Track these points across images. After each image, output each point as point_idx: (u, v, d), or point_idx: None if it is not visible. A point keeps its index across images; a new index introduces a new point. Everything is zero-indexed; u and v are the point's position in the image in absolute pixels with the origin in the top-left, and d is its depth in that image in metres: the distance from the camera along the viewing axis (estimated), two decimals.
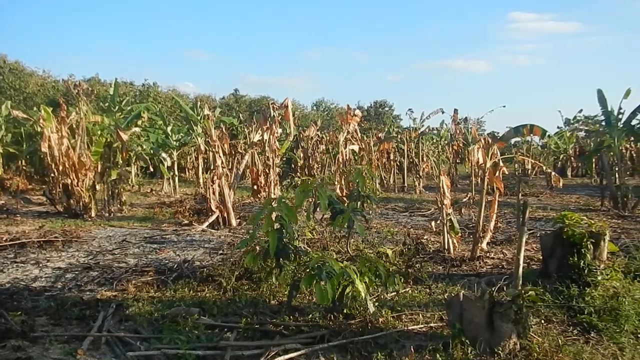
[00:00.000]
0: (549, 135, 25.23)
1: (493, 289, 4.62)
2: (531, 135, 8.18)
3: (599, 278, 5.61)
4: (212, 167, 12.43)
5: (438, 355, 4.09)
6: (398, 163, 22.49)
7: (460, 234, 8.31)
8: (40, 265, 7.49)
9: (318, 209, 5.97)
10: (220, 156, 11.94)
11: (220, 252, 8.37)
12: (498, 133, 26.84)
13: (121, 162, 13.58)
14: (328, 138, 23.68)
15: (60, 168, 12.08)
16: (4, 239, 8.93)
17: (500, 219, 11.32)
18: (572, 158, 27.44)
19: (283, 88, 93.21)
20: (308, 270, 4.86)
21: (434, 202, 9.01)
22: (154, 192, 18.61)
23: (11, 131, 19.20)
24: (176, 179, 19.08)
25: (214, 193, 11.44)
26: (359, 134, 18.67)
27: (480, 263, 7.48)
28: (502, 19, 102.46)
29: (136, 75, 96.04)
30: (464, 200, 11.25)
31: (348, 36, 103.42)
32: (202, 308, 5.34)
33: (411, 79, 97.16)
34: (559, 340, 4.39)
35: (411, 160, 21.89)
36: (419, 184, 19.57)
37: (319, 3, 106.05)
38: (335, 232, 8.29)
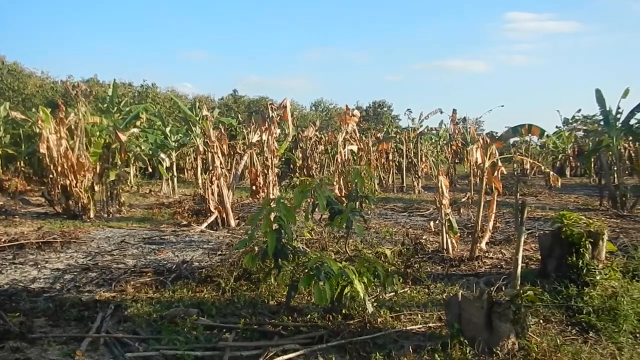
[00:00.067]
0: (547, 135, 25.18)
1: (491, 289, 4.63)
2: (529, 135, 8.19)
3: (598, 278, 5.62)
4: (210, 168, 12.43)
5: (437, 355, 4.09)
6: (397, 163, 22.50)
7: (459, 234, 8.32)
8: (39, 266, 7.48)
9: (317, 209, 5.96)
10: (219, 157, 11.94)
11: (219, 252, 8.36)
12: (497, 133, 26.84)
13: (120, 163, 13.57)
14: (327, 138, 23.68)
15: (59, 169, 12.06)
16: (3, 240, 8.92)
17: (499, 218, 11.33)
18: (571, 158, 27.47)
19: (282, 88, 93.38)
20: (306, 270, 4.85)
21: (433, 202, 9.01)
22: (152, 192, 18.59)
23: (10, 132, 19.18)
24: (175, 179, 19.07)
25: (212, 194, 11.44)
26: (358, 134, 18.68)
27: (479, 263, 7.48)
28: (499, 19, 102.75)
29: (135, 76, 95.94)
30: (463, 200, 11.22)
31: (347, 36, 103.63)
32: (201, 309, 5.34)
33: (410, 79, 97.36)
34: (558, 340, 4.39)
35: (410, 160, 21.90)
36: (417, 184, 19.58)
37: (318, 3, 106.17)
38: (334, 233, 8.29)
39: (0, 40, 60.60)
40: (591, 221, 6.36)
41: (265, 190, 13.30)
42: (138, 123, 17.01)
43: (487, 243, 8.28)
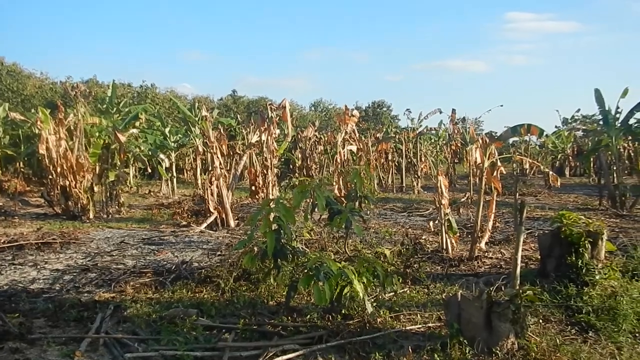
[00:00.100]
0: (546, 135, 25.26)
1: (491, 289, 4.63)
2: (529, 134, 8.20)
3: (597, 277, 5.62)
4: (210, 168, 12.43)
5: (436, 355, 4.09)
6: (396, 163, 22.50)
7: (458, 234, 8.32)
8: (38, 267, 7.48)
9: (316, 210, 5.97)
10: (218, 157, 11.94)
11: (219, 253, 8.36)
12: (496, 133, 26.91)
13: (119, 163, 13.56)
14: (326, 139, 23.67)
15: (58, 170, 12.06)
16: (2, 240, 8.92)
17: (499, 218, 11.33)
18: (570, 157, 27.49)
19: (281, 89, 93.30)
20: (306, 270, 4.85)
21: (432, 202, 9.01)
22: (152, 193, 18.58)
23: (9, 133, 19.16)
24: (174, 180, 19.06)
25: (212, 194, 11.44)
26: (357, 135, 18.69)
27: (478, 263, 7.49)
28: (499, 19, 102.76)
29: (134, 77, 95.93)
30: (462, 200, 11.23)
31: (347, 36, 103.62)
32: (200, 309, 5.34)
33: (410, 79, 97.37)
34: (557, 340, 4.40)
35: (409, 160, 21.90)
36: (417, 184, 19.58)
37: (318, 3, 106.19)
38: (334, 233, 8.29)
39: None
40: (590, 221, 6.37)
41: (265, 191, 13.31)
42: (137, 124, 17.01)
43: (486, 243, 8.29)
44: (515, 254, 5.06)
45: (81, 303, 5.64)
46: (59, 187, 12.27)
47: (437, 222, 8.34)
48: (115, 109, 17.96)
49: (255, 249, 5.93)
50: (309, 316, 5.03)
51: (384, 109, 56.58)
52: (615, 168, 15.14)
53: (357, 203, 6.73)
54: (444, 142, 25.29)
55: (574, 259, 5.78)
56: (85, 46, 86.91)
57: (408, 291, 6.05)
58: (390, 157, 22.24)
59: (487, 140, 8.51)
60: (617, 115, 13.72)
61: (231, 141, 20.12)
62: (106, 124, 13.94)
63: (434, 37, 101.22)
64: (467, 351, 4.13)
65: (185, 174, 24.53)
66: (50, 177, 12.48)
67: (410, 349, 4.23)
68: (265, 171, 13.40)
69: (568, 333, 4.74)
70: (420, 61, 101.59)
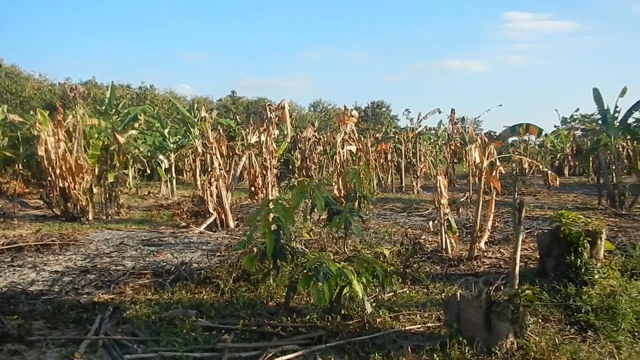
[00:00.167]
0: (545, 134, 25.33)
1: (490, 289, 4.64)
2: (527, 134, 8.20)
3: (596, 277, 5.62)
4: (209, 169, 12.42)
5: (435, 355, 4.09)
6: (396, 163, 22.51)
7: (457, 234, 8.33)
8: (37, 268, 7.47)
9: (315, 210, 5.97)
10: (217, 158, 11.94)
11: (218, 254, 8.36)
12: (495, 132, 26.91)
13: (118, 164, 13.54)
14: (325, 139, 23.69)
15: (57, 171, 12.05)
16: (1, 242, 8.90)
17: (498, 218, 11.34)
18: (570, 157, 27.52)
19: (281, 89, 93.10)
20: (305, 271, 4.86)
21: (432, 202, 9.01)
22: (151, 194, 18.57)
23: (8, 135, 19.14)
24: (174, 181, 19.06)
25: (211, 195, 11.43)
26: (357, 135, 18.69)
27: (477, 262, 7.49)
28: (498, 19, 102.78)
29: (133, 78, 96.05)
30: (462, 200, 11.24)
31: (346, 37, 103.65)
32: (200, 310, 5.34)
33: (409, 79, 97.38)
34: (556, 339, 4.40)
35: (409, 160, 21.91)
36: (416, 184, 19.59)
37: (318, 3, 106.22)
38: (333, 233, 8.29)
39: None
40: (589, 220, 6.38)
41: (264, 191, 13.30)
42: (136, 125, 16.98)
43: (486, 243, 8.29)
44: (514, 254, 5.06)
45: (80, 304, 5.64)
46: (58, 188, 12.26)
47: (436, 222, 8.35)
48: (114, 110, 17.96)
49: (255, 249, 5.93)
50: (308, 316, 5.03)
51: (383, 109, 56.60)
52: (614, 167, 15.16)
53: (356, 203, 6.73)
54: (443, 142, 25.30)
55: (573, 258, 5.78)
56: (84, 47, 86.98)
57: (407, 291, 6.05)
58: (389, 157, 22.25)
59: (486, 140, 8.51)
60: (616, 115, 13.74)
61: (230, 142, 20.12)
62: (105, 126, 13.92)
63: (433, 37, 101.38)
64: (466, 351, 4.13)
65: (185, 175, 24.52)
66: (49, 178, 12.47)
67: (409, 349, 4.23)
68: (264, 172, 13.40)
69: (567, 332, 4.74)
70: (420, 61, 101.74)
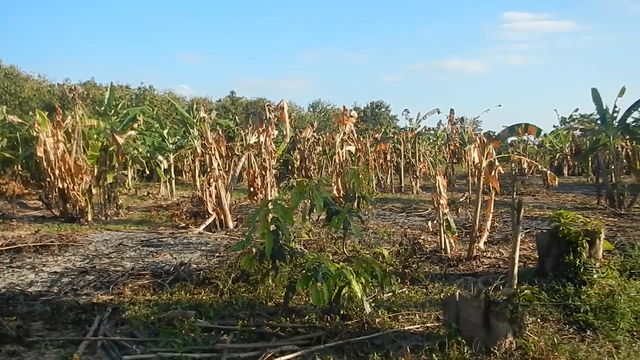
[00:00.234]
0: (544, 134, 25.36)
1: (489, 289, 4.63)
2: (526, 134, 8.21)
3: (595, 276, 5.63)
4: (208, 170, 12.41)
5: (434, 355, 4.09)
6: (395, 163, 22.51)
7: (457, 234, 8.33)
8: (36, 269, 7.47)
9: (314, 210, 5.96)
10: (216, 159, 11.94)
11: (217, 254, 8.36)
12: (494, 132, 26.95)
13: (117, 165, 13.54)
14: (325, 139, 23.69)
15: (57, 172, 12.04)
16: (0, 243, 8.89)
17: (497, 218, 11.34)
18: (569, 157, 27.54)
19: (280, 90, 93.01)
20: (304, 271, 4.86)
21: (431, 202, 9.01)
22: (150, 195, 18.57)
23: (7, 136, 19.12)
24: (173, 181, 19.05)
25: (210, 196, 11.43)
26: (356, 135, 18.68)
27: (477, 262, 7.49)
28: (497, 19, 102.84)
29: (132, 79, 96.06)
30: (461, 200, 11.25)
31: (346, 37, 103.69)
32: (199, 311, 5.34)
33: (409, 79, 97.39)
34: (555, 339, 4.40)
35: (408, 160, 21.92)
36: (415, 184, 19.59)
37: (316, 4, 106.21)
38: (332, 233, 8.29)
39: None
40: (588, 220, 6.39)
41: (263, 192, 13.29)
42: (135, 125, 16.96)
43: (485, 242, 8.30)
44: (512, 254, 5.07)
45: (79, 305, 5.63)
46: (57, 189, 12.25)
47: (435, 222, 8.35)
48: (113, 111, 17.94)
49: (254, 250, 5.92)
50: (307, 317, 5.03)
51: (383, 109, 56.62)
52: (613, 167, 15.17)
53: (355, 204, 6.73)
54: (443, 142, 25.31)
55: (571, 258, 5.79)
56: (83, 48, 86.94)
57: (406, 291, 6.05)
58: (388, 158, 22.24)
59: (485, 140, 8.51)
60: (615, 115, 13.74)
61: (229, 142, 20.10)
62: (104, 126, 13.91)
63: (431, 37, 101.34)
64: (465, 351, 4.13)
65: (184, 176, 24.51)
66: (48, 179, 12.46)
67: (408, 349, 4.23)
68: (263, 172, 13.39)
69: (566, 332, 4.75)
70: (419, 61, 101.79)
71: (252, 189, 13.65)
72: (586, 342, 4.49)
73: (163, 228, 11.29)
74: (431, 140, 26.24)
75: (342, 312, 5.05)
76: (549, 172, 9.66)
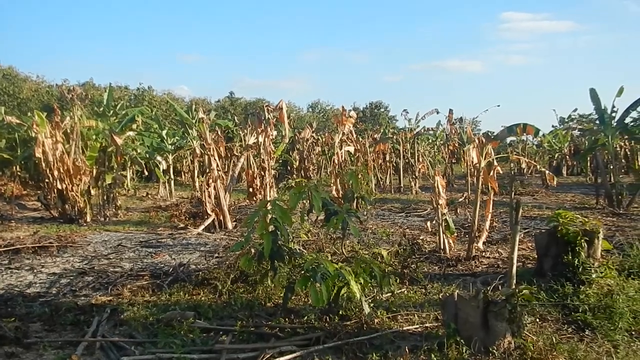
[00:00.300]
0: (543, 134, 25.36)
1: (487, 289, 4.64)
2: (525, 134, 8.22)
3: (594, 276, 5.64)
4: (207, 171, 12.41)
5: (433, 355, 4.09)
6: (394, 164, 22.53)
7: (456, 234, 8.33)
8: (35, 271, 7.46)
9: (313, 211, 5.97)
10: (215, 159, 11.93)
11: (216, 255, 8.35)
12: (493, 133, 26.93)
13: (116, 166, 13.53)
14: (324, 140, 23.70)
15: (55, 173, 12.02)
16: None
17: (496, 218, 11.34)
18: (568, 157, 27.55)
19: (279, 90, 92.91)
20: (303, 272, 4.86)
21: (430, 202, 9.02)
22: (149, 196, 18.56)
23: (5, 137, 19.08)
24: (172, 182, 19.03)
25: (209, 196, 11.42)
26: (355, 135, 18.69)
27: (476, 262, 7.49)
28: (496, 19, 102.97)
29: (131, 79, 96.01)
30: (460, 200, 11.25)
31: (345, 37, 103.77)
32: (198, 311, 5.33)
33: (409, 79, 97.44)
34: (554, 339, 4.40)
35: (407, 160, 21.92)
36: (415, 185, 19.60)
37: (316, 4, 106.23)
38: (331, 234, 8.29)
39: None
40: (587, 220, 6.40)
41: (262, 192, 13.28)
42: (134, 126, 16.95)
43: (484, 242, 8.30)
44: (511, 254, 5.08)
45: (78, 307, 5.63)
46: (55, 190, 12.24)
47: (434, 222, 8.35)
48: (112, 111, 17.91)
49: (253, 250, 5.92)
50: (306, 317, 5.03)
51: (382, 109, 56.65)
52: (611, 167, 15.18)
53: (353, 204, 6.73)
54: (442, 142, 25.33)
55: (570, 257, 5.79)
56: (81, 49, 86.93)
57: (405, 291, 6.05)
58: (388, 158, 22.25)
59: (484, 140, 8.51)
60: (613, 115, 13.74)
61: (228, 143, 20.10)
62: (103, 127, 13.88)
63: (430, 37, 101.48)
64: (464, 351, 4.13)
65: (183, 176, 24.51)
66: (46, 180, 12.44)
67: (407, 350, 4.23)
68: (262, 173, 13.38)
69: (565, 332, 4.75)
70: (419, 61, 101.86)
71: (251, 189, 13.64)
72: (585, 341, 4.50)
73: (162, 229, 11.29)
74: (430, 141, 26.25)
75: (341, 312, 5.05)
76: (547, 172, 9.67)
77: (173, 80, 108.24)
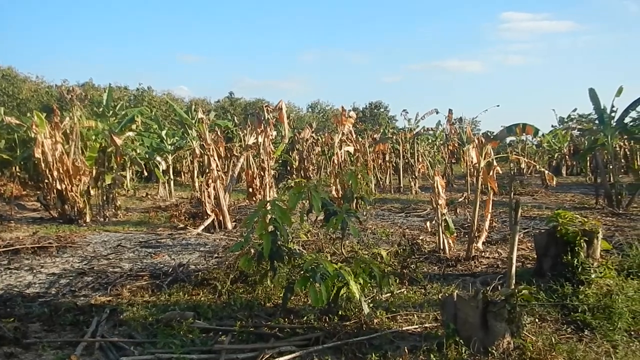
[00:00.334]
0: (542, 134, 25.37)
1: (487, 289, 4.64)
2: (524, 134, 8.22)
3: (593, 276, 5.64)
4: (207, 171, 12.40)
5: (432, 356, 4.09)
6: (394, 164, 22.53)
7: (455, 234, 8.33)
8: (34, 271, 7.46)
9: (312, 211, 5.97)
10: (215, 159, 11.92)
11: (216, 255, 8.35)
12: (493, 133, 26.93)
13: (116, 166, 13.52)
14: (323, 140, 23.69)
15: (55, 174, 12.02)
16: None
17: (496, 218, 11.33)
18: (567, 157, 27.56)
19: (279, 90, 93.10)
20: (302, 272, 4.86)
21: (430, 202, 9.03)
22: (149, 196, 18.55)
23: (4, 137, 19.08)
24: (171, 182, 19.03)
25: (209, 196, 11.42)
26: (354, 136, 18.68)
27: (475, 263, 7.49)
28: (495, 19, 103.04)
29: (130, 80, 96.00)
30: (460, 200, 11.25)
31: (344, 38, 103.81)
32: (197, 312, 5.33)
33: (408, 79, 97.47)
34: (553, 339, 4.40)
35: (407, 161, 21.92)
36: (414, 185, 19.60)
37: (315, 4, 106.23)
38: (330, 234, 8.29)
39: None
40: (586, 220, 6.40)
41: (262, 193, 13.28)
42: (134, 127, 16.95)
43: (483, 243, 8.30)
44: (510, 254, 5.08)
45: (77, 307, 5.62)
46: (55, 190, 12.23)
47: (434, 222, 8.35)
48: (111, 112, 17.92)
49: (252, 251, 5.92)
50: (305, 318, 5.03)
51: (381, 109, 56.66)
52: (611, 167, 15.19)
53: (353, 204, 6.73)
54: (441, 142, 25.33)
55: (569, 257, 5.79)
56: (81, 49, 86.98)
57: (405, 292, 6.05)
58: (387, 158, 22.25)
59: (483, 140, 8.52)
60: (613, 114, 13.75)
61: (228, 143, 20.10)
62: (102, 127, 13.88)
63: (430, 37, 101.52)
64: (463, 351, 4.13)
65: (183, 177, 24.50)
66: (46, 181, 12.44)
67: (406, 350, 4.23)
68: (262, 173, 13.37)
69: (564, 332, 4.75)
70: (418, 61, 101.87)
71: (250, 189, 13.63)
72: (584, 341, 4.50)
73: (161, 229, 11.29)
74: (430, 141, 26.25)
75: (340, 312, 5.05)
76: (547, 172, 9.64)
77: (173, 80, 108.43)
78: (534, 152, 29.14)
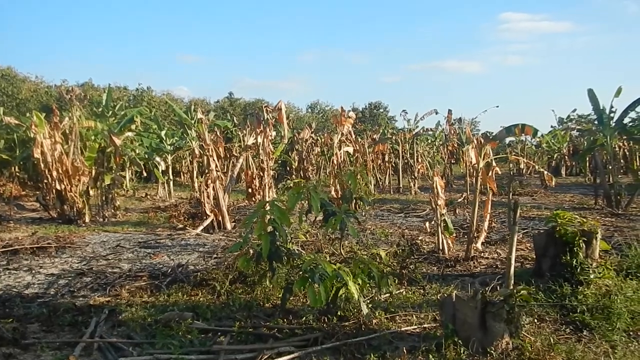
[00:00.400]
0: (541, 135, 25.34)
1: (486, 289, 4.64)
2: (523, 134, 8.22)
3: (592, 276, 5.64)
4: (206, 171, 12.40)
5: (431, 356, 4.10)
6: (393, 164, 22.54)
7: (454, 235, 8.33)
8: (33, 271, 7.45)
9: (311, 211, 5.96)
10: (214, 160, 11.92)
11: (215, 256, 8.35)
12: (492, 133, 26.93)
13: (115, 167, 13.52)
14: (323, 140, 23.68)
15: (54, 174, 12.01)
16: None
17: (495, 218, 11.35)
18: (566, 157, 27.57)
19: (279, 91, 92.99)
20: (301, 272, 4.86)
21: (429, 202, 9.03)
22: (148, 196, 18.55)
23: (4, 137, 19.08)
24: (171, 183, 19.03)
25: (208, 197, 11.42)
26: (354, 136, 18.70)
27: (474, 263, 7.50)
28: (494, 20, 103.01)
29: (130, 80, 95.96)
30: (459, 200, 11.25)
31: (344, 38, 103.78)
32: (196, 312, 5.33)
33: (407, 80, 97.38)
34: (552, 339, 4.40)
35: (406, 161, 21.92)
36: (414, 185, 19.61)
37: (315, 4, 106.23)
38: (329, 234, 8.29)
39: None
40: (585, 220, 6.40)
41: (261, 193, 13.28)
42: (133, 127, 16.95)
43: (482, 243, 8.31)
44: (509, 254, 5.08)
45: (76, 307, 5.62)
46: (54, 191, 12.23)
47: (433, 222, 8.36)
48: (110, 112, 17.93)
49: (251, 251, 5.92)
50: (304, 318, 5.02)
51: (381, 110, 56.67)
52: (610, 167, 15.20)
53: (352, 204, 6.73)
54: (441, 142, 25.33)
55: (568, 258, 5.80)
56: (80, 50, 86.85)
57: (404, 292, 6.05)
58: (387, 158, 22.25)
59: (482, 141, 8.52)
60: (612, 115, 13.77)
61: (228, 144, 20.10)
62: (102, 128, 13.88)
63: (429, 38, 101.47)
64: (462, 351, 4.13)
65: (182, 177, 24.50)
66: (45, 181, 12.43)
67: (405, 350, 4.23)
68: (261, 173, 13.37)
69: (562, 332, 4.75)
70: (418, 62, 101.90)
71: (250, 190, 13.63)
72: (583, 342, 4.50)
73: (161, 229, 11.28)
74: (429, 141, 26.25)
75: (339, 313, 5.05)
76: (546, 172, 9.64)
77: (172, 80, 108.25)
78: (533, 153, 29.15)
